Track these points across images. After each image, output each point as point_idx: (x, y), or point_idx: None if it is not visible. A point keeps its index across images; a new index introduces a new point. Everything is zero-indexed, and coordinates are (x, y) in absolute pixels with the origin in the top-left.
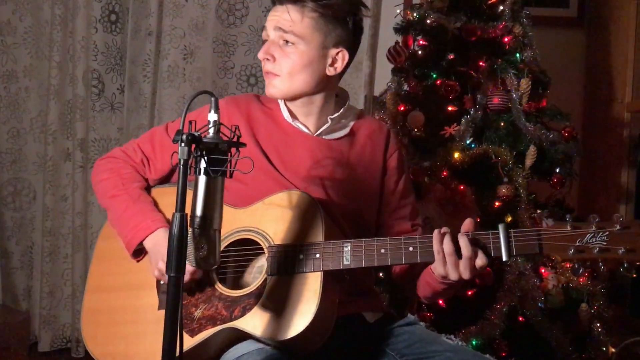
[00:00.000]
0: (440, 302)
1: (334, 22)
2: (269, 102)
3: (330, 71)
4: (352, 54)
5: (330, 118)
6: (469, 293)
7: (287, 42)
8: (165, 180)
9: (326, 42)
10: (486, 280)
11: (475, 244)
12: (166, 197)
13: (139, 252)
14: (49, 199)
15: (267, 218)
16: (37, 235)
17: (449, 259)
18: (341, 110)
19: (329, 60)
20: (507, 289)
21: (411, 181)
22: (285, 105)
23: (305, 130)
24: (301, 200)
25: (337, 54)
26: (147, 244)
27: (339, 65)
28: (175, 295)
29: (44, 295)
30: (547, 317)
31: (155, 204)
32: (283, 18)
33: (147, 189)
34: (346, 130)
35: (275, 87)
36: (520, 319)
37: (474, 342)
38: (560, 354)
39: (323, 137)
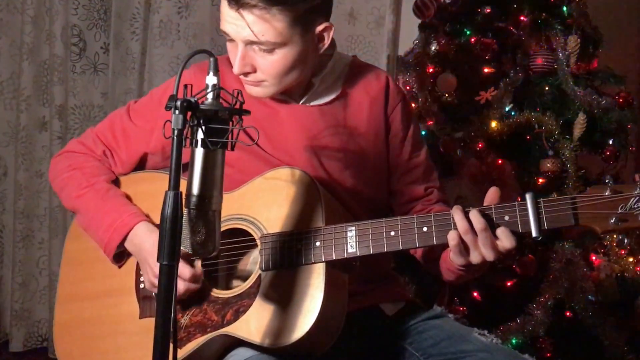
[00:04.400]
0: (475, 294)
1: (309, 6)
2: None
3: (320, 49)
4: (330, 14)
5: (315, 80)
6: (509, 284)
7: (264, 50)
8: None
9: (307, 28)
10: (528, 270)
11: (497, 219)
12: (141, 184)
13: (121, 256)
14: (22, 176)
15: (258, 202)
16: (8, 217)
17: (465, 238)
18: (328, 67)
19: (316, 40)
20: (553, 280)
21: (421, 133)
22: None
23: (288, 98)
24: (294, 179)
25: (322, 30)
26: (130, 246)
27: (327, 38)
28: (168, 288)
29: (16, 286)
30: (599, 311)
31: (128, 197)
32: (246, 32)
33: (116, 182)
34: (337, 90)
35: (264, 89)
36: (568, 314)
37: (514, 341)
38: (614, 354)
39: (311, 103)
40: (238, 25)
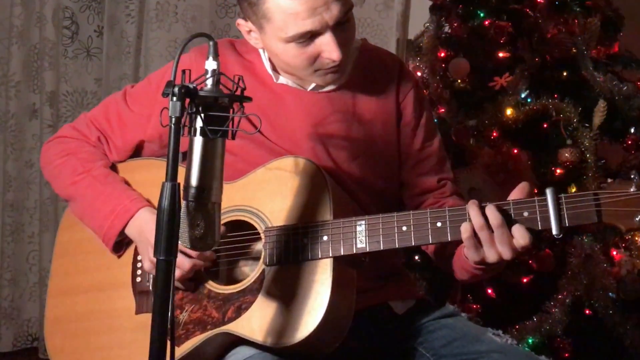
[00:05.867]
0: (490, 291)
1: None
2: (247, 52)
3: None
4: None
5: None
6: (525, 281)
7: (345, 20)
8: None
9: None
10: (545, 266)
11: (515, 216)
12: (138, 172)
13: (119, 246)
14: (11, 166)
15: (262, 193)
16: None
17: (480, 234)
18: None
19: None
20: (571, 276)
21: (434, 121)
22: (269, 56)
23: (295, 85)
24: (299, 169)
25: None
26: (131, 231)
27: None
28: (165, 285)
29: (5, 283)
30: (620, 309)
31: (126, 183)
32: (337, 7)
33: (112, 169)
34: (346, 75)
35: (341, 72)
36: (587, 312)
37: (530, 341)
38: (636, 355)
39: (319, 90)
40: (328, 7)
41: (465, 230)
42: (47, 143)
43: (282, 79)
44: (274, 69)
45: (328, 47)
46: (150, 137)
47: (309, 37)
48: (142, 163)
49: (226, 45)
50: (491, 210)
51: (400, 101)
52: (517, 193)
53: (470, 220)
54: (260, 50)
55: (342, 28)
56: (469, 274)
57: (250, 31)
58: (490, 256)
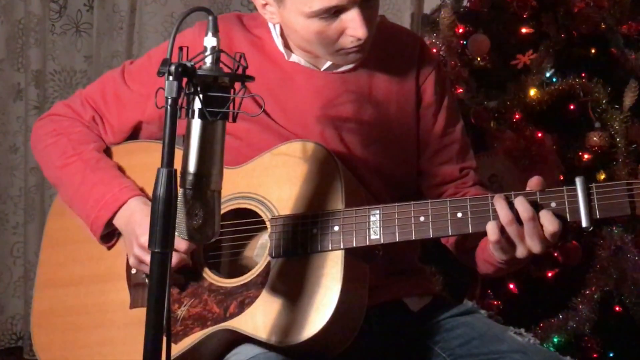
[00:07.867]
0: (512, 286)
1: None
2: (255, 27)
3: None
4: None
5: None
6: (550, 275)
7: None
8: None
9: None
10: (572, 259)
11: (541, 205)
12: (135, 155)
13: (110, 237)
14: None
15: (269, 180)
16: None
17: (509, 229)
18: None
19: None
20: (600, 270)
21: (457, 105)
22: (281, 33)
23: (307, 64)
24: (307, 154)
25: None
26: (118, 222)
27: None
28: (161, 279)
29: None
30: None
31: (120, 169)
32: None
33: (107, 152)
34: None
35: (363, 51)
36: (617, 308)
37: (555, 340)
38: None
39: (333, 70)
40: None
41: (492, 232)
42: (38, 120)
43: (294, 57)
44: (286, 46)
45: (353, 24)
46: (148, 118)
47: (334, 12)
48: (139, 146)
49: (233, 20)
50: (521, 202)
51: (420, 83)
52: (532, 186)
53: (494, 218)
54: (271, 26)
55: (369, 4)
56: (494, 268)
57: (266, 4)
58: (519, 252)
